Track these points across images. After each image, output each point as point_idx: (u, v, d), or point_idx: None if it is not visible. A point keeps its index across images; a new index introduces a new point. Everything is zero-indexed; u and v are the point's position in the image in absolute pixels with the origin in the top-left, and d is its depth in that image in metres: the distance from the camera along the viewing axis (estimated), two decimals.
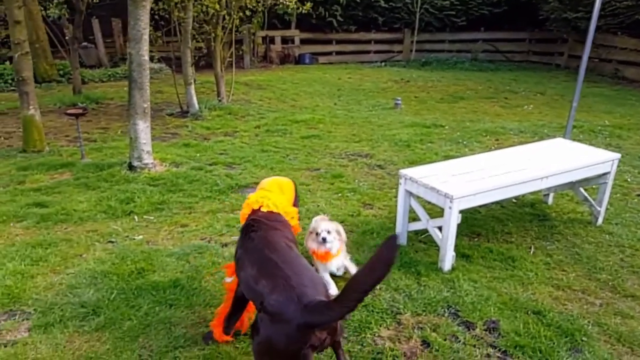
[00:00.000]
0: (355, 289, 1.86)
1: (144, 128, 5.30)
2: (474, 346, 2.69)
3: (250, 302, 2.58)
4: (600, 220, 4.18)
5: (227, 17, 8.24)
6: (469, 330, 2.84)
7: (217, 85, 8.87)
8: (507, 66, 15.27)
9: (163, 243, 3.83)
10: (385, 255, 1.84)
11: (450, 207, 3.26)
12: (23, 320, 2.88)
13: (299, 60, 15.50)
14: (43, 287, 3.19)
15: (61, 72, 11.43)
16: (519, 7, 15.60)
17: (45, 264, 3.47)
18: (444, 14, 15.86)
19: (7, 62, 11.10)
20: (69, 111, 6.00)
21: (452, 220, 3.29)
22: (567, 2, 13.68)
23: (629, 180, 5.29)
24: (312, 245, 3.33)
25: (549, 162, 3.86)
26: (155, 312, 2.92)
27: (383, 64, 15.54)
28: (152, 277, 3.29)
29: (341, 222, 4.19)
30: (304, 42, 15.79)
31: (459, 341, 2.73)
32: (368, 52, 16.29)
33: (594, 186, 4.36)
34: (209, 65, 11.35)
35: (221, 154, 6.17)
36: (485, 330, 2.83)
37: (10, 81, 10.65)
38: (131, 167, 5.33)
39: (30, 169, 5.43)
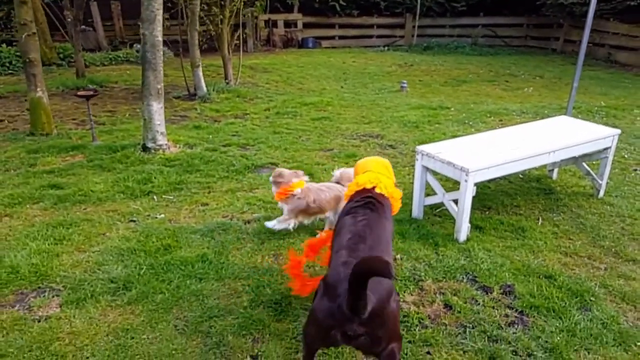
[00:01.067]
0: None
1: (157, 109, 5.27)
2: (493, 307, 2.77)
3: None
4: (601, 193, 4.25)
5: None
6: (487, 293, 2.90)
7: (224, 68, 8.80)
8: (506, 51, 15.19)
9: (185, 221, 3.84)
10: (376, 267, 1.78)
11: (466, 180, 3.28)
12: (53, 296, 2.87)
13: (302, 44, 15.37)
14: (70, 265, 3.19)
15: (61, 55, 11.16)
16: None
17: (69, 243, 3.45)
18: None
19: (4, 45, 10.78)
20: (79, 93, 5.94)
21: (468, 192, 3.32)
22: None
23: (625, 156, 5.33)
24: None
25: (554, 137, 3.88)
26: (186, 285, 2.96)
27: (386, 48, 15.42)
28: (179, 253, 3.31)
29: None
30: (306, 26, 15.63)
31: (479, 304, 2.80)
32: (371, 36, 16.15)
33: (594, 162, 4.41)
34: (212, 48, 11.28)
35: (233, 135, 6.16)
36: (502, 293, 2.91)
37: (8, 64, 10.40)
38: (145, 149, 5.31)
39: (40, 152, 5.34)
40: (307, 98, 8.24)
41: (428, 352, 2.44)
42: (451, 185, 4.35)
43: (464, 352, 2.44)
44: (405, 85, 9.13)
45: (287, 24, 15.48)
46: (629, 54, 12.54)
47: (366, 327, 1.93)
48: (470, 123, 6.60)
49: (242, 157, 5.27)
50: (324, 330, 2.00)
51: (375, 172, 2.67)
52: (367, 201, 2.48)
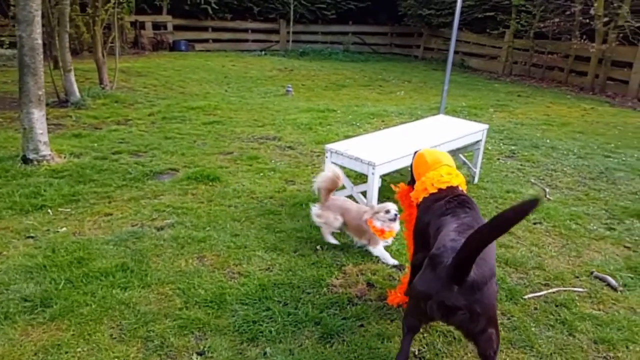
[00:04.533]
0: (469, 238, 1.88)
1: (39, 117, 4.91)
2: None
3: None
4: (476, 180, 5.07)
5: None
6: (400, 270, 3.37)
7: (98, 72, 8.32)
8: (375, 57, 16.60)
9: (92, 233, 3.70)
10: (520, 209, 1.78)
11: (373, 173, 3.74)
12: None
13: (174, 47, 14.99)
14: None
15: None
16: (381, 2, 17.00)
17: None
18: (316, 6, 16.60)
19: None
20: None
21: (375, 184, 3.78)
22: (421, 0, 15.32)
23: (489, 148, 6.38)
24: (376, 223, 3.43)
25: (440, 132, 4.58)
26: (111, 295, 2.91)
27: (263, 52, 15.79)
28: (95, 264, 3.22)
29: (269, 197, 4.50)
30: (177, 28, 15.29)
31: (395, 279, 3.25)
32: (246, 40, 16.38)
33: (468, 153, 5.24)
34: (75, 51, 10.54)
35: (121, 142, 5.93)
36: None
37: None
38: (26, 160, 4.89)
39: None
40: (192, 102, 8.19)
41: (361, 325, 2.79)
42: (353, 179, 4.81)
43: (392, 321, 2.84)
44: (290, 89, 9.56)
45: (156, 26, 14.99)
46: (478, 60, 14.66)
47: (465, 298, 1.95)
48: (358, 124, 7.24)
49: (137, 165, 5.15)
50: (423, 300, 2.04)
51: (452, 167, 2.68)
52: (461, 200, 2.50)
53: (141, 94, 8.64)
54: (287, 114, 7.72)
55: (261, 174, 5.08)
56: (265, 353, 2.55)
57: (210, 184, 4.78)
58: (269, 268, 3.33)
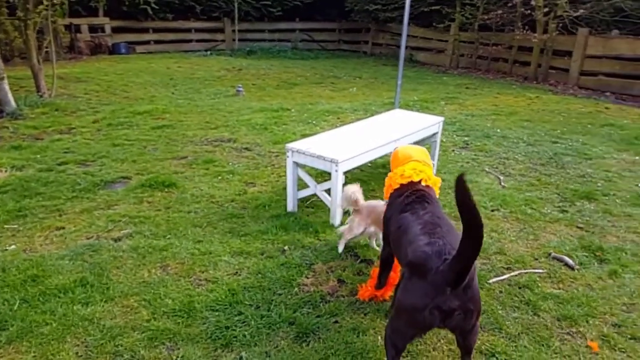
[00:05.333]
0: (465, 242, 1.89)
1: None
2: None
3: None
4: (434, 171, 5.24)
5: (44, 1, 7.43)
6: (368, 265, 3.46)
7: (35, 79, 7.94)
8: (324, 54, 16.75)
9: (44, 249, 3.56)
10: (462, 199, 1.84)
11: (336, 170, 3.81)
12: None
13: (114, 50, 14.51)
14: None
15: None
16: None
17: None
18: (261, 3, 16.53)
19: None
20: None
21: (339, 181, 3.85)
22: None
23: (444, 140, 6.60)
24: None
25: (398, 127, 4.72)
26: (73, 312, 2.82)
27: (209, 52, 15.56)
28: (52, 281, 3.10)
29: (230, 201, 4.49)
30: (116, 30, 14.81)
31: (365, 274, 3.33)
32: (190, 41, 16.08)
33: (425, 146, 5.44)
34: (5, 58, 10.02)
35: (66, 152, 5.70)
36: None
37: None
38: None
39: None
40: (138, 107, 7.98)
41: (336, 321, 2.85)
42: (315, 178, 4.87)
43: (365, 314, 2.92)
44: (241, 89, 9.50)
45: (93, 29, 14.44)
46: (426, 54, 15.10)
47: (459, 299, 1.98)
48: (314, 122, 7.31)
49: (85, 175, 4.98)
50: (419, 313, 2.01)
51: (419, 162, 2.73)
52: (419, 195, 2.56)
53: (83, 101, 8.32)
54: (241, 115, 7.68)
55: (219, 178, 5.04)
56: (241, 358, 2.56)
57: (167, 190, 4.70)
58: (236, 272, 3.33)
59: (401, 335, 2.21)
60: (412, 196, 2.59)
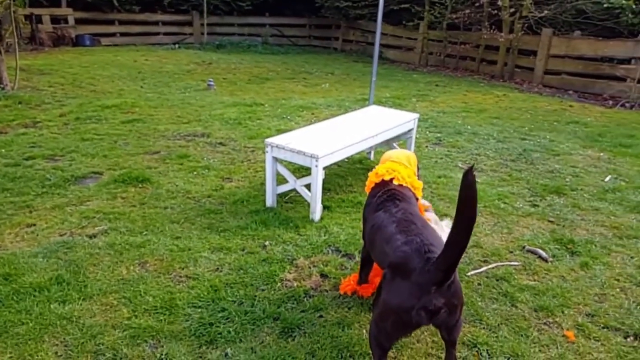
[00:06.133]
0: (453, 238, 1.89)
1: None
2: (357, 269, 3.30)
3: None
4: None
5: None
6: (350, 259, 3.48)
7: None
8: (295, 50, 16.68)
9: (15, 246, 3.43)
10: (465, 192, 1.80)
11: (316, 166, 3.81)
12: None
13: (78, 42, 14.02)
14: None
15: None
16: None
17: None
18: None
19: None
20: None
21: (319, 176, 3.85)
22: None
23: (417, 136, 6.67)
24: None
25: (375, 123, 4.76)
26: (50, 311, 2.73)
27: (177, 46, 15.24)
28: (26, 280, 2.99)
29: (207, 196, 4.43)
30: (80, 22, 14.32)
31: (347, 268, 3.35)
32: (157, 33, 15.72)
33: (400, 142, 5.51)
34: None
35: (32, 147, 5.49)
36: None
37: None
38: None
39: None
40: (106, 100, 7.76)
41: (320, 316, 2.85)
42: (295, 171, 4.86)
43: (349, 308, 2.93)
44: (212, 83, 9.37)
45: (55, 20, 13.92)
46: (395, 51, 15.26)
47: (443, 296, 2.00)
48: (288, 117, 7.28)
49: (55, 170, 4.81)
50: (406, 315, 2.01)
51: (395, 162, 2.80)
52: (390, 194, 2.62)
53: (47, 94, 8.02)
54: (213, 109, 7.57)
55: (195, 173, 4.96)
56: (226, 354, 2.54)
57: (141, 185, 4.59)
58: (217, 268, 3.29)
59: (387, 336, 2.21)
60: (384, 195, 2.65)
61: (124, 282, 3.07)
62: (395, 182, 2.73)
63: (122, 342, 2.56)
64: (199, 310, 2.85)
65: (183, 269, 3.27)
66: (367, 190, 2.88)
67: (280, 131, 6.33)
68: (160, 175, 4.85)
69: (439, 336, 2.46)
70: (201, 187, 4.60)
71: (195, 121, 6.90)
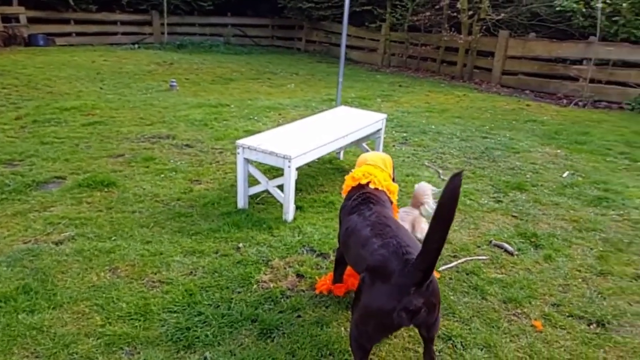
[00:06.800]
0: (431, 238, 1.95)
1: None
2: (332, 268, 3.33)
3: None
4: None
5: None
6: (325, 259, 3.51)
7: None
8: (258, 50, 16.60)
9: None
10: (447, 194, 1.87)
11: (289, 166, 3.82)
12: None
13: (31, 42, 13.47)
14: None
15: None
16: None
17: None
18: None
19: None
20: None
21: (292, 177, 3.87)
22: None
23: (384, 136, 6.78)
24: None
25: (346, 123, 4.81)
26: (18, 321, 2.63)
27: (136, 46, 14.88)
28: None
29: (176, 199, 4.37)
30: (33, 21, 13.75)
31: (322, 267, 3.38)
32: (115, 33, 15.30)
33: (369, 142, 5.60)
34: None
35: None
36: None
37: None
38: None
39: None
40: (64, 102, 7.50)
41: (299, 316, 2.87)
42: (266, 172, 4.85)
43: (327, 307, 2.96)
44: (174, 84, 9.21)
45: (6, 19, 13.32)
46: (359, 52, 15.43)
47: (423, 296, 2.04)
48: (255, 118, 7.25)
49: (14, 175, 4.62)
50: (387, 317, 2.04)
51: (371, 165, 2.84)
52: (364, 197, 2.66)
53: (1, 96, 7.68)
54: (177, 111, 7.45)
55: (162, 176, 4.87)
56: (205, 358, 2.52)
57: (106, 190, 4.48)
58: (191, 272, 3.26)
59: (369, 338, 2.24)
60: (358, 199, 2.70)
61: (95, 289, 3.00)
62: (371, 186, 2.77)
63: (96, 350, 2.50)
64: (175, 315, 2.81)
65: (156, 273, 3.22)
66: (344, 193, 2.92)
67: (248, 132, 6.31)
68: (126, 178, 4.74)
69: (416, 331, 2.53)
70: (169, 190, 4.53)
71: (160, 123, 6.77)
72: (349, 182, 2.86)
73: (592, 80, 9.95)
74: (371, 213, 2.54)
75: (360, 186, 2.79)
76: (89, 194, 4.36)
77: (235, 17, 17.24)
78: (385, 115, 5.28)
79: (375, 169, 2.85)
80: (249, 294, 3.04)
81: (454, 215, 1.92)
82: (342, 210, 2.87)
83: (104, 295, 2.93)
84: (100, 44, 14.77)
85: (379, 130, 5.20)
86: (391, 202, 2.86)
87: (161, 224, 3.91)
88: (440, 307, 2.28)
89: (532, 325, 2.88)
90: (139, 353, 2.51)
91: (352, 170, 2.97)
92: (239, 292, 3.06)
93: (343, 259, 2.93)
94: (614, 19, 9.70)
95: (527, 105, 9.60)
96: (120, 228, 3.78)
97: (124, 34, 15.47)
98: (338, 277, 3.06)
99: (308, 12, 15.93)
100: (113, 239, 3.61)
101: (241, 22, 17.47)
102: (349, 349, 2.55)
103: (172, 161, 5.28)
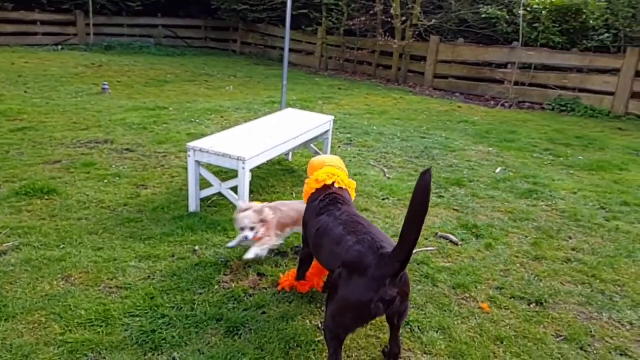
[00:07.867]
0: (407, 231, 2.10)
1: None
2: (293, 265, 3.47)
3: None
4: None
5: None
6: (283, 257, 3.64)
7: None
8: (192, 52, 16.36)
9: None
10: (420, 190, 2.04)
11: (243, 168, 3.90)
12: None
13: None
14: None
15: None
16: None
17: None
18: None
19: None
20: None
21: (246, 179, 3.95)
22: None
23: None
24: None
25: (295, 125, 4.96)
26: None
27: (60, 47, 14.16)
28: None
29: (123, 205, 4.32)
30: None
31: (282, 265, 3.52)
32: (35, 34, 14.47)
33: (317, 143, 5.78)
34: None
35: None
36: (294, 253, 3.69)
37: None
38: None
39: None
40: None
41: (264, 312, 2.97)
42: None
43: (290, 302, 3.09)
44: (107, 86, 8.93)
45: None
46: (297, 55, 15.60)
47: (397, 286, 2.20)
48: (197, 121, 7.21)
49: None
50: (365, 308, 2.18)
51: (333, 167, 2.95)
52: (332, 198, 2.77)
53: None
54: (113, 114, 7.25)
55: (105, 181, 4.77)
56: (174, 358, 2.56)
57: (47, 197, 4.33)
58: (149, 277, 3.26)
59: (345, 329, 2.38)
60: (326, 199, 2.81)
61: (49, 298, 2.93)
62: (337, 186, 2.90)
63: (59, 358, 2.47)
64: (138, 319, 2.82)
65: (112, 279, 3.19)
66: (306, 196, 3.01)
67: (191, 135, 6.29)
68: (67, 185, 4.61)
69: (379, 319, 2.72)
70: (115, 196, 4.45)
71: (95, 127, 6.58)
72: (313, 185, 2.94)
73: (516, 83, 10.78)
74: (341, 213, 2.69)
75: (325, 187, 2.90)
76: (29, 202, 4.20)
77: (165, 18, 16.88)
78: (332, 117, 5.48)
79: (337, 169, 2.99)
80: (211, 295, 3.10)
81: (428, 209, 2.10)
82: (306, 212, 2.97)
83: (60, 303, 2.88)
84: (19, 45, 13.91)
85: (327, 132, 5.40)
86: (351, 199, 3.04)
87: (111, 230, 3.86)
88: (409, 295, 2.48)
89: (479, 308, 3.17)
90: (104, 358, 2.51)
91: (306, 174, 3.10)
92: (200, 294, 3.11)
93: (307, 259, 3.07)
94: (534, 25, 10.57)
95: (459, 107, 10.23)
96: (68, 236, 3.69)
97: (45, 34, 14.67)
98: (301, 275, 3.19)
99: (243, 14, 15.93)
100: (62, 247, 3.53)
101: (172, 23, 17.13)
102: (316, 340, 2.71)
103: (114, 166, 5.17)
